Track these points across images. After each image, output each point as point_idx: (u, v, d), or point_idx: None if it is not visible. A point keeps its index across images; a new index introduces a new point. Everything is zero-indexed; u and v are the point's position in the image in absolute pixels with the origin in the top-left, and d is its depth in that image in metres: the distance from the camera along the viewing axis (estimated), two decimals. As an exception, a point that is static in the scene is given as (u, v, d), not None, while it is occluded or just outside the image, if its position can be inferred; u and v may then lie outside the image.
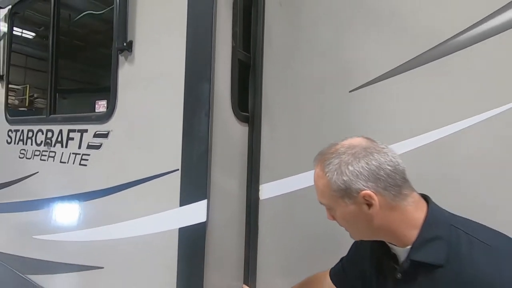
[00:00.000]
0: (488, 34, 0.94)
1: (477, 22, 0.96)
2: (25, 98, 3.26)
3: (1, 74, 2.12)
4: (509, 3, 0.91)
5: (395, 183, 0.68)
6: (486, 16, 0.94)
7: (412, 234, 0.68)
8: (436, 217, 0.69)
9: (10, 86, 2.12)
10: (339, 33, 1.20)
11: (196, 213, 1.06)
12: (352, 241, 0.94)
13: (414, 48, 1.05)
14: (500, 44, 0.91)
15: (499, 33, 0.92)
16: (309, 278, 1.09)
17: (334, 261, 1.13)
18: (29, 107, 3.08)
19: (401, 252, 0.72)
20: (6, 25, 2.08)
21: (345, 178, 0.69)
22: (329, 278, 1.01)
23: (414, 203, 0.70)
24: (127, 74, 1.35)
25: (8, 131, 2.04)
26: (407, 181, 0.71)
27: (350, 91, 1.17)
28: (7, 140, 2.05)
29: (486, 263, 0.61)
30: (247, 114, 1.37)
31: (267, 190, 1.36)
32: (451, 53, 1.00)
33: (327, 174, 0.72)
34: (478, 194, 0.92)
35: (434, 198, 0.78)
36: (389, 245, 0.76)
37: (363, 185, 0.68)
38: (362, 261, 0.88)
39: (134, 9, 1.33)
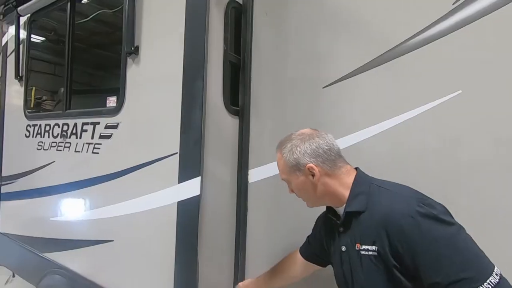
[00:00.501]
0: (434, 37, 1.13)
1: (424, 28, 1.15)
2: (31, 100, 3.46)
3: (20, 75, 2.34)
4: (448, 12, 1.11)
5: (330, 158, 0.93)
6: (432, 22, 1.13)
7: (346, 193, 0.91)
8: (360, 179, 0.92)
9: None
10: (314, 38, 1.41)
11: (191, 188, 1.27)
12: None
13: (375, 50, 1.24)
14: (445, 45, 1.10)
15: (444, 36, 1.12)
16: (283, 259, 1.30)
17: (310, 222, 1.33)
18: (36, 109, 3.26)
19: (341, 211, 0.94)
20: (26, 31, 2.31)
21: (295, 156, 0.94)
22: (299, 254, 1.23)
23: (346, 172, 0.94)
24: (134, 74, 1.57)
25: (27, 126, 2.26)
26: (341, 156, 0.97)
27: (323, 87, 1.38)
28: (25, 134, 2.27)
29: (385, 202, 0.83)
30: (238, 108, 1.57)
31: (255, 174, 1.56)
32: (405, 54, 1.20)
33: (284, 155, 0.97)
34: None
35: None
36: (335, 208, 0.98)
37: (308, 160, 0.92)
38: (320, 233, 1.11)
39: (140, 18, 1.55)
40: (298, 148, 0.94)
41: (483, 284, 0.68)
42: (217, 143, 1.41)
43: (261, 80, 1.55)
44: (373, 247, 0.81)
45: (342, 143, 1.29)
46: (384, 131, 1.19)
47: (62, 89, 2.22)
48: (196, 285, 1.30)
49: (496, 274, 0.70)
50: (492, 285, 0.68)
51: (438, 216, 0.75)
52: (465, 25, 1.07)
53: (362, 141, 1.24)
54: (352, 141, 1.29)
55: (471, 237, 0.77)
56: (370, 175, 0.98)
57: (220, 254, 1.47)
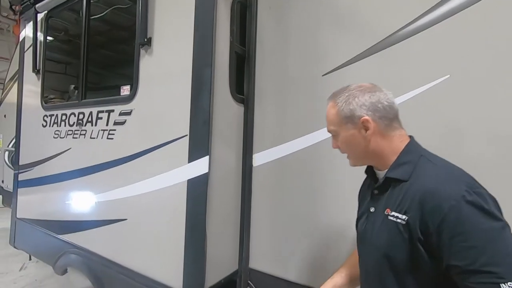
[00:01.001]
0: (420, 29, 1.23)
1: (411, 21, 1.25)
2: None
3: (37, 69, 2.48)
4: (432, 7, 1.21)
5: (388, 116, 0.85)
6: (418, 16, 1.23)
7: (393, 158, 0.86)
8: (411, 148, 0.86)
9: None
10: (314, 30, 1.51)
11: (200, 166, 1.38)
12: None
13: (370, 40, 1.34)
14: (428, 37, 1.21)
15: (428, 28, 1.21)
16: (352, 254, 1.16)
17: (313, 205, 1.43)
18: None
19: (381, 175, 0.89)
20: (43, 27, 2.45)
21: (351, 107, 0.86)
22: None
23: (400, 136, 0.87)
24: (147, 63, 1.69)
25: (44, 116, 2.40)
26: (398, 118, 0.88)
27: (323, 75, 1.48)
28: (42, 124, 2.41)
29: (430, 177, 0.78)
30: (243, 96, 1.69)
31: (259, 158, 1.67)
32: (395, 44, 1.30)
33: (338, 104, 0.89)
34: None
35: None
36: (375, 170, 0.94)
37: (364, 113, 0.85)
38: (361, 204, 1.03)
39: (152, 11, 1.67)
40: (356, 99, 0.86)
41: (507, 283, 0.63)
42: (223, 127, 1.53)
43: (264, 70, 1.66)
44: (404, 216, 0.78)
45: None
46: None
47: (72, 86, 2.36)
48: (204, 257, 1.42)
49: None
50: None
51: (485, 207, 0.69)
52: (451, 16, 1.16)
53: None
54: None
55: None
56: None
57: (226, 229, 1.58)
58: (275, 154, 1.62)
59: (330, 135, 1.48)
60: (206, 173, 1.37)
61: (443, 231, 0.70)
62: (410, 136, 0.90)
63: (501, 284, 0.64)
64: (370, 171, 0.97)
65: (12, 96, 4.20)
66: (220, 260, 1.55)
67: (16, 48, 4.75)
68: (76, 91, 2.24)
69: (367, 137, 0.86)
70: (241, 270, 1.64)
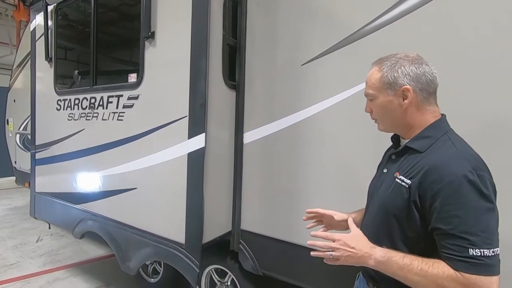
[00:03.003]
0: (389, 21, 1.44)
1: (379, 15, 1.46)
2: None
3: (50, 57, 2.71)
4: (397, 2, 1.43)
5: (428, 89, 0.88)
6: (387, 9, 1.43)
7: (418, 131, 0.90)
8: (438, 125, 0.90)
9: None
10: (294, 24, 1.74)
11: (198, 142, 1.67)
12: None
13: (342, 33, 1.56)
14: (394, 30, 1.42)
15: (396, 20, 1.41)
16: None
17: (296, 174, 1.71)
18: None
19: (404, 143, 0.95)
20: (53, 18, 2.67)
21: (395, 74, 0.88)
22: None
23: (433, 111, 0.90)
24: (151, 54, 1.94)
25: (58, 101, 2.66)
26: (435, 94, 0.91)
27: (302, 65, 1.73)
28: (56, 108, 2.67)
29: (442, 153, 0.83)
30: (235, 83, 1.95)
31: (248, 137, 1.94)
32: (365, 36, 1.52)
33: (383, 69, 0.91)
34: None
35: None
36: (401, 139, 0.99)
37: (407, 82, 0.87)
38: (380, 165, 1.08)
39: (155, 8, 1.91)
40: (402, 68, 0.88)
41: (478, 249, 0.72)
42: (217, 109, 1.80)
43: (254, 60, 1.91)
44: (408, 181, 0.85)
45: (317, 108, 1.68)
46: (349, 97, 1.55)
47: (76, 72, 2.57)
48: (202, 217, 1.73)
49: (494, 254, 0.74)
50: (484, 256, 0.72)
51: (482, 189, 0.75)
52: (412, 12, 1.37)
53: (334, 104, 1.59)
54: (325, 106, 1.65)
55: (496, 223, 0.78)
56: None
57: (221, 196, 1.89)
58: (263, 132, 1.89)
59: (307, 116, 1.76)
60: (203, 147, 1.66)
61: (438, 199, 0.78)
62: (442, 114, 0.93)
63: (469, 249, 0.74)
64: (396, 137, 1.02)
65: (20, 82, 4.44)
66: (216, 221, 1.86)
67: (21, 35, 4.94)
68: (80, 77, 2.48)
69: (403, 106, 0.89)
70: (234, 231, 1.96)
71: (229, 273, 2.06)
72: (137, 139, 1.99)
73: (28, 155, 3.43)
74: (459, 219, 0.76)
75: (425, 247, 0.84)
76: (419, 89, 0.88)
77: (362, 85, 1.52)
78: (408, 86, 0.88)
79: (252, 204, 1.92)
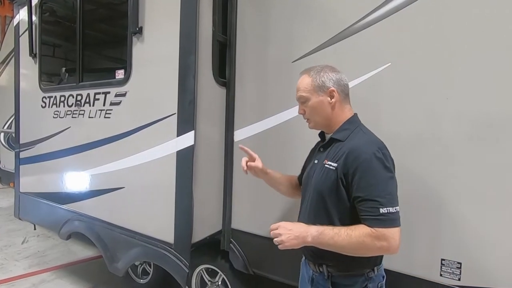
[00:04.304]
0: (376, 20, 1.45)
1: (371, 11, 1.46)
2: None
3: (34, 52, 2.63)
4: (382, 3, 1.43)
5: (345, 91, 1.16)
6: (378, 6, 1.42)
7: (338, 125, 1.15)
8: (353, 120, 1.17)
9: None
10: (286, 20, 1.72)
11: (187, 139, 1.64)
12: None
13: (334, 30, 1.55)
14: (385, 26, 1.41)
15: (387, 17, 1.41)
16: (287, 176, 1.47)
17: (286, 172, 1.69)
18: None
19: (328, 137, 1.18)
20: (37, 13, 2.59)
21: (323, 79, 1.13)
22: (297, 179, 1.44)
23: (348, 109, 1.17)
24: (139, 50, 1.90)
25: (42, 98, 2.58)
26: (349, 96, 1.19)
27: (293, 62, 1.72)
28: (41, 105, 2.60)
29: (357, 140, 1.09)
30: (225, 80, 1.91)
31: (239, 134, 1.92)
32: (353, 34, 1.53)
33: (312, 75, 1.14)
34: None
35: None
36: (326, 134, 1.22)
37: (332, 85, 1.13)
38: (307, 159, 1.36)
39: (143, 3, 1.86)
40: (326, 74, 1.13)
41: (385, 208, 0.98)
42: (207, 107, 1.77)
43: (244, 57, 1.87)
44: (334, 164, 1.08)
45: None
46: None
47: (63, 69, 2.52)
48: (191, 216, 1.70)
49: (396, 211, 0.99)
50: (389, 212, 0.98)
51: (385, 163, 1.02)
52: (403, 8, 1.37)
53: None
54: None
55: (396, 188, 1.04)
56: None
57: (211, 195, 1.86)
58: (253, 130, 1.87)
59: (297, 114, 1.74)
60: (192, 145, 1.63)
61: (357, 173, 1.02)
62: (355, 113, 1.20)
63: (380, 209, 0.98)
64: (322, 134, 1.26)
65: (4, 79, 4.31)
66: (206, 220, 1.83)
67: (6, 30, 4.79)
68: (67, 74, 2.42)
69: (332, 103, 1.13)
70: (224, 230, 1.93)
71: (220, 272, 2.04)
72: (124, 137, 1.95)
73: (12, 154, 3.33)
74: (372, 187, 1.00)
75: (351, 215, 1.05)
76: (340, 91, 1.14)
77: (354, 82, 1.56)
78: (333, 88, 1.12)
79: (243, 203, 1.89)
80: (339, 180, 1.06)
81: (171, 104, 1.70)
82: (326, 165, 1.11)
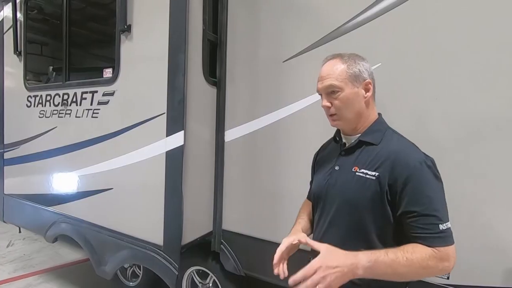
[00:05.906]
0: (363, 22, 1.46)
1: (362, 11, 1.46)
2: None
3: (19, 50, 2.56)
4: (373, 2, 1.43)
5: (375, 86, 0.98)
6: (369, 5, 1.42)
7: (366, 125, 0.97)
8: (383, 120, 1.01)
9: None
10: (276, 19, 1.71)
11: (177, 140, 1.61)
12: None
13: (325, 29, 1.55)
14: (377, 26, 1.41)
15: (378, 16, 1.41)
16: (301, 207, 1.25)
17: (277, 173, 1.68)
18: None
19: (350, 139, 1.00)
20: (22, 10, 2.52)
21: (359, 68, 0.93)
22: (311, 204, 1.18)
23: (375, 108, 1.01)
24: (127, 48, 1.86)
25: (28, 97, 2.51)
26: None
27: (283, 62, 1.70)
28: (27, 104, 2.52)
29: (399, 143, 0.93)
30: (216, 79, 1.89)
31: (230, 134, 1.90)
32: (343, 34, 1.52)
33: (346, 62, 0.94)
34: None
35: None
36: (344, 136, 1.03)
37: (368, 76, 0.95)
38: (314, 167, 1.16)
39: (131, 0, 1.82)
40: (362, 62, 0.94)
41: (444, 224, 0.84)
42: (197, 106, 1.74)
43: (235, 56, 1.85)
44: (374, 173, 0.89)
45: (300, 105, 1.65)
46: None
47: (51, 68, 2.46)
48: (181, 218, 1.67)
49: (450, 226, 0.86)
50: (447, 227, 0.85)
51: (436, 172, 0.89)
52: (395, 7, 1.36)
53: (317, 101, 1.55)
54: (308, 103, 1.63)
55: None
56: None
57: (201, 195, 1.83)
58: (244, 130, 1.85)
59: (290, 113, 1.73)
60: (182, 145, 1.60)
61: (408, 184, 0.86)
62: (379, 112, 1.03)
63: (439, 225, 0.84)
64: (339, 136, 1.06)
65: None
66: (196, 222, 1.81)
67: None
68: (55, 73, 2.36)
69: (368, 98, 0.95)
70: (215, 231, 1.91)
71: (211, 274, 2.01)
72: (112, 137, 1.90)
73: (-3, 155, 3.23)
74: (429, 199, 0.85)
75: (393, 233, 0.91)
76: (373, 85, 0.97)
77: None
78: (370, 80, 0.95)
79: (234, 204, 1.87)
80: (383, 192, 0.89)
81: (161, 104, 1.67)
82: (359, 173, 0.92)
